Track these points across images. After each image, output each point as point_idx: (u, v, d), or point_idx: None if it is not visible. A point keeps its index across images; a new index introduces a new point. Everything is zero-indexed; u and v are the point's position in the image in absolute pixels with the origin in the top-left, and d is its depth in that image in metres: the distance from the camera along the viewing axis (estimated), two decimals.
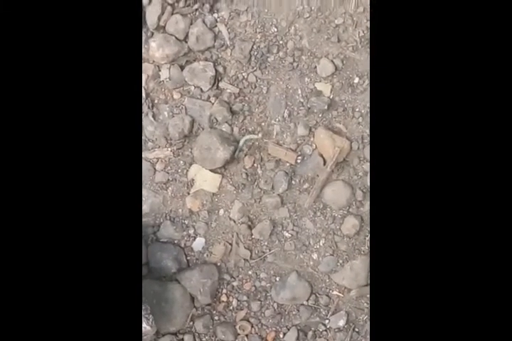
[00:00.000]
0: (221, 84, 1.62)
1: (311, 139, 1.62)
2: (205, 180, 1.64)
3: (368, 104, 1.61)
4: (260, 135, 1.59)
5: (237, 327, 1.66)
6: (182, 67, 1.62)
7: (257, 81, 1.62)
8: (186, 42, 1.61)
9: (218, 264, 1.67)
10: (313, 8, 1.60)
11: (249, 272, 1.67)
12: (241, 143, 1.59)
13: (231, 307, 1.67)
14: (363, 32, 1.59)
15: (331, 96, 1.61)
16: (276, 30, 1.60)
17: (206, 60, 1.62)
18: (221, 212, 1.65)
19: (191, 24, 1.61)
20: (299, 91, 1.62)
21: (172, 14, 1.60)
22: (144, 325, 1.50)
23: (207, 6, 1.60)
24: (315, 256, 1.65)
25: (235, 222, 1.65)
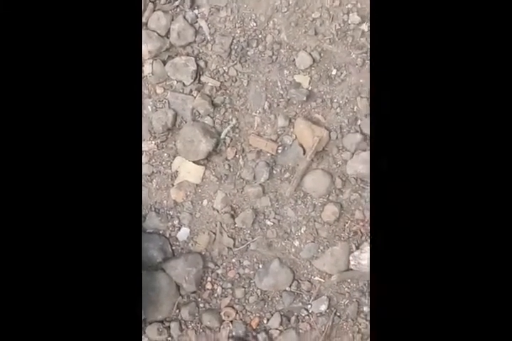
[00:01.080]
0: (203, 78, 1.63)
1: (291, 130, 1.63)
2: (188, 171, 1.65)
3: (346, 95, 1.61)
4: (235, 120, 1.61)
5: (222, 313, 1.67)
6: (164, 62, 1.63)
7: (237, 74, 1.63)
8: (168, 37, 1.62)
9: (203, 253, 1.68)
10: (290, 2, 1.61)
11: (233, 260, 1.68)
12: (222, 135, 1.62)
13: (216, 295, 1.68)
14: (340, 25, 1.60)
15: (310, 88, 1.62)
16: (255, 24, 1.62)
17: (188, 54, 1.63)
18: (205, 202, 1.67)
19: (172, 20, 1.62)
20: (279, 84, 1.63)
21: (154, 11, 1.62)
22: None
23: (187, 2, 1.62)
24: (296, 243, 1.66)
25: (218, 211, 1.66)
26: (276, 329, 1.67)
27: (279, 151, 1.64)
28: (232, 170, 1.65)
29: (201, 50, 1.64)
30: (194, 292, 1.67)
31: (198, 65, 1.62)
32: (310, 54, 1.61)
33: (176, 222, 1.68)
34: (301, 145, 1.63)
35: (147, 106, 1.64)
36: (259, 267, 1.68)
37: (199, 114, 1.62)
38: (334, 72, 1.62)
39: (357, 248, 1.64)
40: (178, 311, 1.67)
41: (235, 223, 1.66)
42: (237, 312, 1.68)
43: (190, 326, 1.68)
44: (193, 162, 1.64)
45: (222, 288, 1.68)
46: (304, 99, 1.61)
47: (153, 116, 1.63)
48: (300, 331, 1.68)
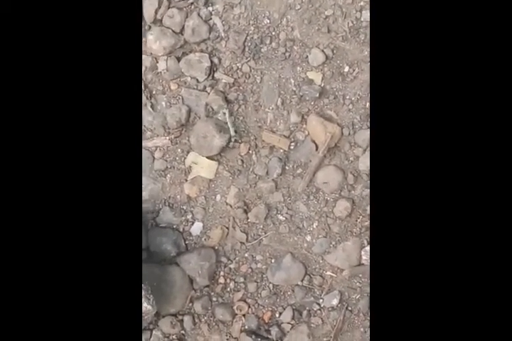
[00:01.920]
0: (216, 75, 1.65)
1: (304, 126, 1.65)
2: (202, 166, 1.67)
3: (358, 92, 1.63)
4: (226, 111, 1.64)
5: (235, 307, 1.69)
6: (179, 59, 1.65)
7: (251, 71, 1.65)
8: (182, 34, 1.64)
9: (216, 247, 1.70)
10: (304, 0, 1.62)
11: (246, 254, 1.70)
12: (232, 133, 1.64)
13: (228, 289, 1.70)
14: (352, 22, 1.62)
15: (322, 85, 1.64)
16: (268, 21, 1.63)
17: (202, 51, 1.65)
18: (218, 197, 1.69)
19: (187, 17, 1.63)
20: (292, 80, 1.65)
21: (168, 8, 1.63)
22: (144, 304, 1.52)
23: None
24: (309, 238, 1.69)
25: (231, 206, 1.69)
26: (288, 323, 1.70)
27: (292, 147, 1.67)
28: (245, 165, 1.67)
29: (215, 47, 1.65)
30: (207, 286, 1.70)
31: (211, 62, 1.64)
32: (323, 51, 1.63)
33: (189, 217, 1.70)
34: (314, 142, 1.65)
35: (161, 102, 1.66)
36: (271, 262, 1.70)
37: (212, 109, 1.64)
38: (347, 69, 1.64)
39: (368, 243, 1.67)
40: (191, 305, 1.70)
41: (247, 218, 1.68)
42: (249, 306, 1.70)
43: (203, 319, 1.70)
44: (207, 157, 1.66)
45: (235, 282, 1.70)
46: (317, 95, 1.63)
47: (167, 111, 1.65)
48: (312, 325, 1.70)
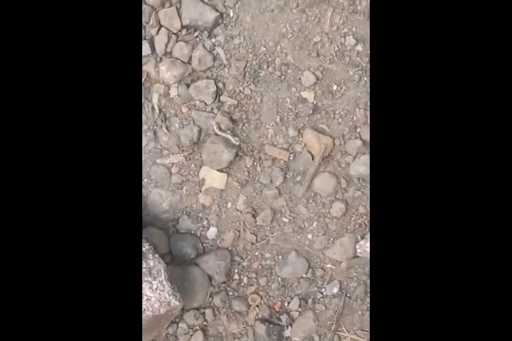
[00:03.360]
0: (222, 98, 1.71)
1: (301, 139, 1.72)
2: (213, 179, 1.73)
3: (346, 107, 1.70)
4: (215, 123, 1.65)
5: (249, 299, 1.75)
6: (188, 86, 1.71)
7: (251, 93, 1.71)
8: (190, 64, 1.70)
9: (229, 248, 1.75)
10: (294, 29, 1.69)
11: (256, 253, 1.75)
12: (233, 141, 1.67)
13: (243, 284, 1.75)
14: (338, 47, 1.70)
15: (315, 102, 1.71)
16: (265, 49, 1.70)
17: (208, 78, 1.71)
18: (229, 204, 1.74)
19: (193, 49, 1.69)
20: (288, 100, 1.71)
21: (177, 42, 1.69)
22: (173, 301, 1.54)
23: (205, 32, 1.69)
24: (310, 236, 1.75)
25: (241, 212, 1.74)
26: (296, 310, 1.75)
27: (291, 158, 1.72)
28: (251, 176, 1.73)
29: (219, 74, 1.71)
30: (224, 282, 1.74)
31: (217, 87, 1.70)
32: (313, 73, 1.70)
33: (205, 223, 1.74)
34: (310, 152, 1.72)
35: (175, 124, 1.70)
36: (278, 258, 1.75)
37: (220, 129, 1.68)
38: (335, 87, 1.71)
39: (362, 238, 1.73)
40: (211, 299, 1.74)
41: (256, 221, 1.74)
42: (261, 298, 1.75)
43: (222, 311, 1.75)
44: (217, 170, 1.71)
45: (248, 278, 1.75)
46: (311, 112, 1.70)
47: (180, 132, 1.70)
48: (316, 311, 1.76)
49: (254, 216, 1.75)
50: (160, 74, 1.70)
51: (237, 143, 1.69)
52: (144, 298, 1.53)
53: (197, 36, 1.71)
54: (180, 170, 1.74)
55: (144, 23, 1.68)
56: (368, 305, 1.75)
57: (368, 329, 1.75)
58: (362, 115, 1.73)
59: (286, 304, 1.77)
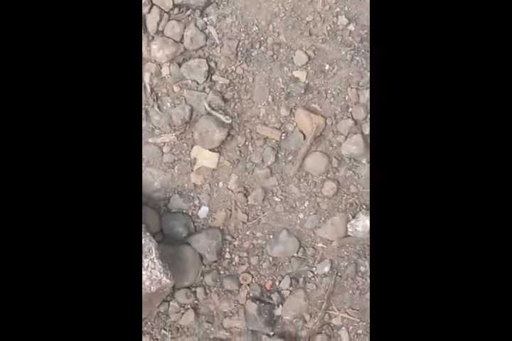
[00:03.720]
0: (214, 77, 1.71)
1: (292, 118, 1.72)
2: (205, 158, 1.73)
3: (338, 87, 1.71)
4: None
5: (240, 278, 1.75)
6: (180, 65, 1.70)
7: (243, 72, 1.71)
8: (182, 43, 1.69)
9: (221, 228, 1.75)
10: (287, 8, 1.70)
11: (247, 232, 1.76)
12: (224, 119, 1.68)
13: (234, 263, 1.76)
14: (330, 26, 1.70)
15: (307, 82, 1.71)
16: (257, 28, 1.70)
17: (200, 57, 1.71)
18: (220, 184, 1.75)
19: (185, 28, 1.69)
20: (280, 79, 1.72)
21: (168, 20, 1.68)
22: (164, 278, 1.55)
23: (197, 11, 1.69)
24: (301, 215, 1.75)
25: (232, 191, 1.74)
26: (287, 289, 1.77)
27: (283, 137, 1.73)
28: (242, 155, 1.74)
29: (211, 53, 1.71)
30: (215, 261, 1.75)
31: (209, 66, 1.70)
32: (306, 52, 1.71)
33: (196, 202, 1.75)
34: (302, 132, 1.72)
35: (166, 103, 1.70)
36: (270, 237, 1.76)
37: (212, 108, 1.69)
38: (327, 67, 1.72)
39: (353, 217, 1.75)
40: (202, 278, 1.75)
41: (247, 201, 1.74)
42: (252, 277, 1.76)
43: (213, 290, 1.76)
44: (209, 150, 1.72)
45: (239, 257, 1.76)
46: (302, 91, 1.70)
47: (172, 111, 1.70)
48: (307, 290, 1.77)
49: (245, 195, 1.76)
50: (152, 53, 1.70)
51: (228, 122, 1.70)
52: None
53: (189, 15, 1.70)
54: (171, 150, 1.75)
55: None
56: (358, 284, 1.77)
57: (358, 308, 1.77)
58: (354, 95, 1.74)
59: (277, 283, 1.78)
